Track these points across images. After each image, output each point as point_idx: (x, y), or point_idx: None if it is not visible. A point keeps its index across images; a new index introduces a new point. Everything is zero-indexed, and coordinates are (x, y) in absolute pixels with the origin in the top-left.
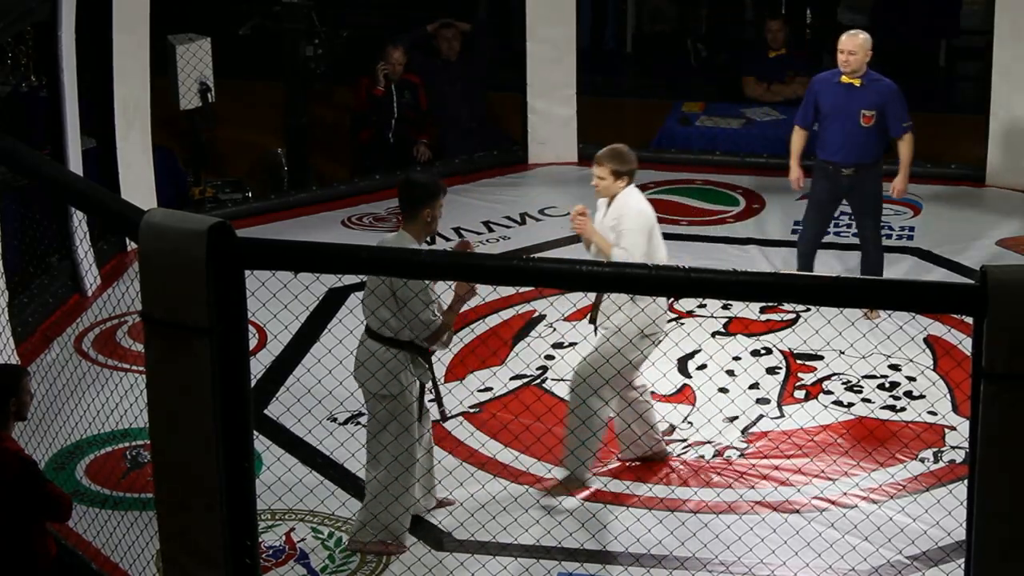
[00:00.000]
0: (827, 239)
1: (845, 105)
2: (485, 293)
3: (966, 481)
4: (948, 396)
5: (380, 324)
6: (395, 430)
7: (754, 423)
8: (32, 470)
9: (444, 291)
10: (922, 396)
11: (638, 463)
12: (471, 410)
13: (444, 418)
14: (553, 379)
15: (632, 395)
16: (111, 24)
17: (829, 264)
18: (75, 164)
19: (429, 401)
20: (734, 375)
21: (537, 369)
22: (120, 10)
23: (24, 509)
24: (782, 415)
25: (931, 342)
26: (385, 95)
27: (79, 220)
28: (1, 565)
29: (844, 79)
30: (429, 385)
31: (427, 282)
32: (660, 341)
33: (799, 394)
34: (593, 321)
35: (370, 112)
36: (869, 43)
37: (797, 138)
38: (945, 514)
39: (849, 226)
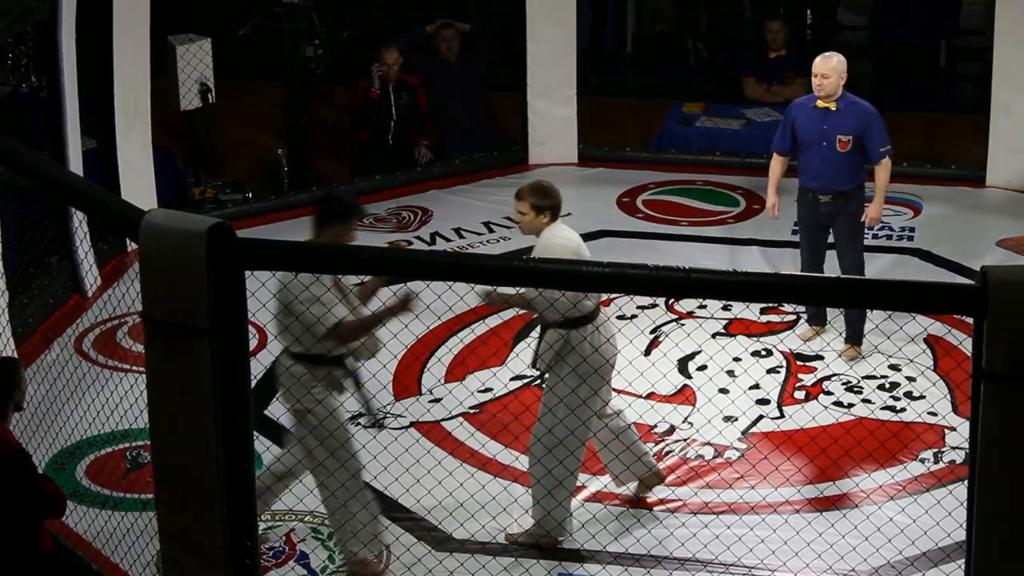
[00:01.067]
0: (828, 240)
1: (822, 130)
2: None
3: (966, 482)
4: (948, 396)
5: (292, 340)
6: (326, 445)
7: (754, 424)
8: (25, 463)
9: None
10: (922, 397)
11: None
12: (471, 411)
13: (376, 423)
14: None
15: (613, 423)
16: (111, 24)
17: (828, 265)
18: (75, 164)
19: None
20: (734, 376)
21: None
22: (120, 10)
23: (19, 504)
24: (782, 416)
25: (931, 342)
26: (383, 97)
27: (79, 220)
28: None
29: (820, 104)
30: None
31: (321, 292)
32: (609, 378)
33: (799, 395)
34: (535, 365)
35: (367, 113)
36: (843, 66)
37: (775, 164)
38: (945, 515)
39: None
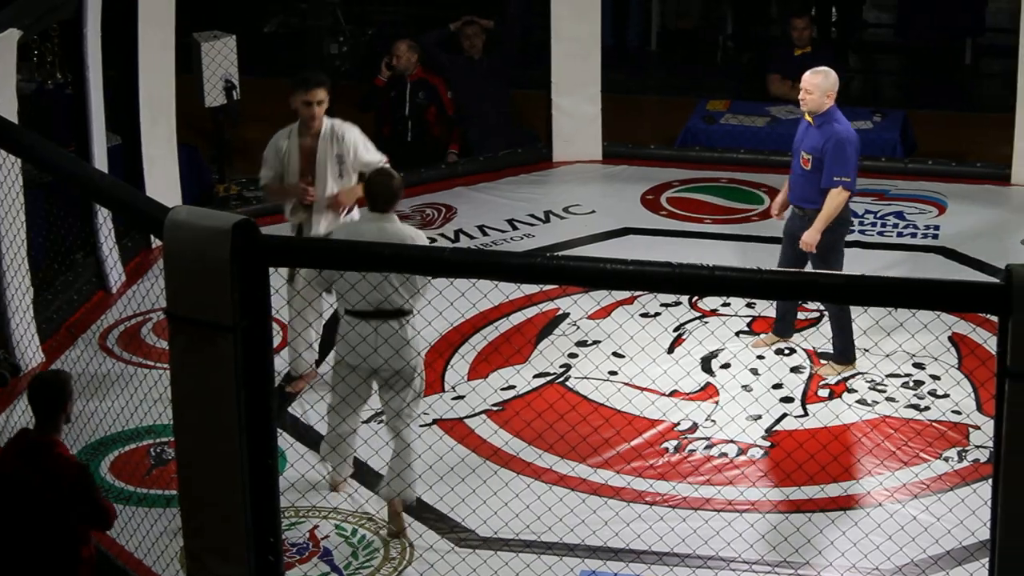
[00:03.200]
0: (851, 238)
1: (798, 143)
2: (509, 291)
3: (990, 480)
4: (972, 395)
5: None
6: None
7: (778, 422)
8: (87, 478)
9: None
10: (946, 395)
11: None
12: (494, 408)
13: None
14: (576, 377)
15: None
16: (136, 21)
17: (852, 263)
18: (100, 161)
19: None
20: (758, 374)
21: (560, 367)
22: (145, 7)
23: (75, 516)
24: (806, 414)
25: (955, 340)
26: (398, 95)
27: (104, 217)
28: (49, 569)
29: (806, 116)
30: None
31: None
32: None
33: (823, 393)
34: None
35: (371, 100)
36: (829, 82)
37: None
38: (969, 513)
39: (874, 224)
